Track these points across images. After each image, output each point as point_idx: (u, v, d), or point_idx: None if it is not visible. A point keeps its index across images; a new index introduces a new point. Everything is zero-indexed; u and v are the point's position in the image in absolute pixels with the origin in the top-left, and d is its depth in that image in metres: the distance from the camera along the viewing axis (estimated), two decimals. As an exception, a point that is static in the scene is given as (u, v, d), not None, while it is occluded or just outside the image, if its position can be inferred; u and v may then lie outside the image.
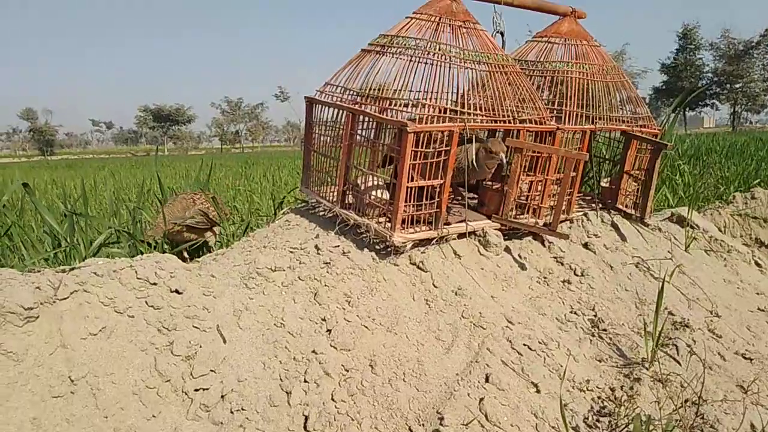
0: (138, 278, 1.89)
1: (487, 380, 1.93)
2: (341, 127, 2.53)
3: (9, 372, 1.58)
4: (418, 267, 2.36)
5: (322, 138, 2.71)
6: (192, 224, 2.83)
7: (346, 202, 2.57)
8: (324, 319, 2.05)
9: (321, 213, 2.75)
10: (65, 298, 1.76)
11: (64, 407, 1.56)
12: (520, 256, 2.63)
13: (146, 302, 1.86)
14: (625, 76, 2.93)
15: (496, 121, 2.39)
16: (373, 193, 2.46)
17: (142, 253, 2.81)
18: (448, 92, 2.35)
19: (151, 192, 5.45)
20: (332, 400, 1.78)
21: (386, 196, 2.45)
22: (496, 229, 2.56)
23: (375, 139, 2.59)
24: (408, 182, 2.24)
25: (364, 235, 2.42)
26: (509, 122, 2.42)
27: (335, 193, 2.59)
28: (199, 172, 5.09)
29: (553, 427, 1.80)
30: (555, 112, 2.72)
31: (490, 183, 2.75)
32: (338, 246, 2.38)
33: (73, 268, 1.89)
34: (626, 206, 2.98)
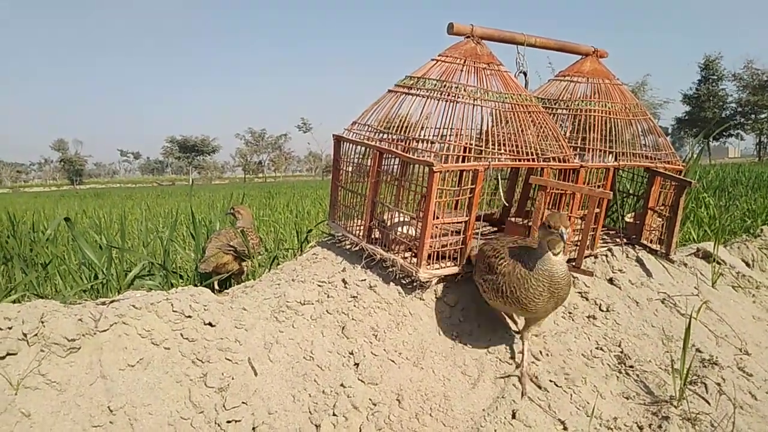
0: (174, 311, 1.97)
1: (513, 416, 1.94)
2: (368, 164, 2.61)
3: (53, 401, 1.65)
4: (444, 302, 2.39)
5: (349, 174, 2.79)
6: (234, 251, 2.92)
7: (373, 236, 2.63)
8: (352, 353, 2.09)
9: (347, 247, 2.81)
10: (105, 330, 1.84)
11: (103, 436, 1.62)
12: (544, 292, 2.65)
13: (181, 334, 1.93)
14: (648, 114, 2.98)
15: (520, 160, 2.45)
16: (399, 229, 2.52)
17: (173, 285, 2.90)
18: (472, 132, 2.42)
19: (178, 222, 5.59)
20: (361, 435, 1.81)
21: (412, 231, 2.50)
22: (520, 265, 2.59)
23: (401, 177, 2.67)
24: (433, 219, 2.29)
25: (390, 270, 2.47)
26: (533, 160, 2.47)
27: (362, 228, 2.65)
28: (224, 203, 5.21)
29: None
30: (578, 149, 2.77)
31: (514, 219, 2.79)
32: (365, 280, 2.43)
33: (113, 301, 1.97)
34: (651, 241, 2.98)
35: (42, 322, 1.75)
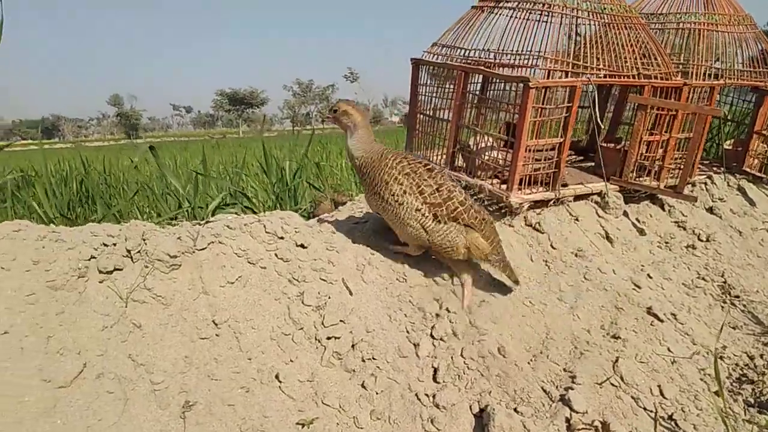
0: (267, 232, 1.95)
1: (617, 342, 1.86)
2: (451, 87, 2.49)
3: (160, 314, 1.67)
4: (535, 228, 2.29)
5: (430, 100, 2.67)
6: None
7: (456, 164, 2.53)
8: (438, 278, 2.03)
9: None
10: (203, 249, 1.84)
11: (211, 348, 1.64)
12: (638, 220, 2.51)
13: (276, 255, 1.92)
14: (758, 27, 2.69)
15: (619, 76, 2.27)
16: (486, 153, 2.40)
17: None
18: (568, 46, 2.25)
19: (247, 163, 5.61)
20: (461, 356, 1.77)
21: (497, 156, 2.39)
22: (615, 192, 2.45)
23: (483, 100, 2.53)
24: (528, 140, 2.16)
25: (477, 197, 2.38)
26: (634, 77, 2.28)
27: (444, 155, 2.56)
28: (279, 152, 5.18)
29: (696, 390, 1.71)
30: (681, 66, 2.54)
31: (605, 144, 2.63)
32: (450, 207, 2.35)
33: (207, 222, 1.98)
34: (753, 168, 2.76)
35: (144, 240, 1.76)
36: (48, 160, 3.78)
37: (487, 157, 2.37)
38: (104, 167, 5.35)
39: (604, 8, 2.29)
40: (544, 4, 2.24)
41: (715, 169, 2.85)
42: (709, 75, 2.55)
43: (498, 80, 2.40)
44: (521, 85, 2.11)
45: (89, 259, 1.68)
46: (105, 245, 1.74)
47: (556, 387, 1.71)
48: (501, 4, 2.35)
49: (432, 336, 1.82)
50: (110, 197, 3.82)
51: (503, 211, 2.32)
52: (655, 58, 2.36)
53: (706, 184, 2.68)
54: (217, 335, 1.67)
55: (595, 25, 2.28)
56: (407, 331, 1.83)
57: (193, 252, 1.82)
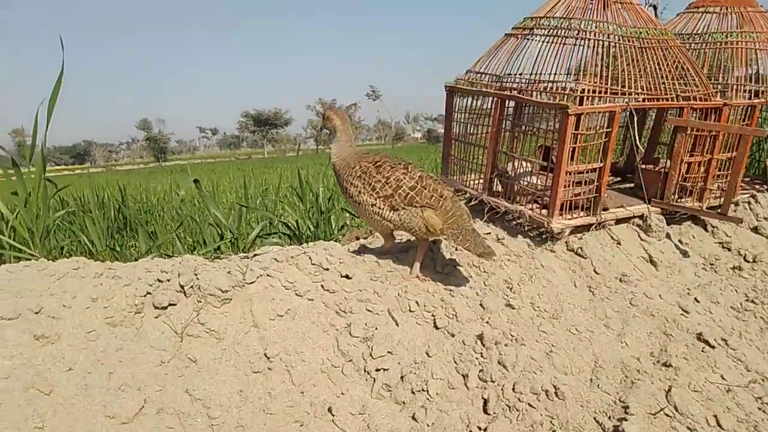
0: (312, 264, 1.99)
1: (669, 370, 1.83)
2: (487, 113, 2.51)
3: (213, 348, 1.71)
4: (577, 253, 2.28)
5: (465, 126, 2.69)
6: None
7: (494, 189, 2.54)
8: (483, 306, 2.03)
9: (462, 201, 2.74)
10: (252, 282, 1.88)
11: (264, 382, 1.67)
12: (681, 242, 2.48)
13: (322, 286, 1.95)
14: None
15: (658, 99, 2.26)
16: (522, 179, 2.41)
17: (292, 243, 2.96)
18: (604, 71, 2.26)
19: (281, 187, 5.72)
20: (513, 391, 1.76)
21: (535, 181, 2.39)
22: (657, 214, 2.42)
23: (517, 125, 2.54)
24: (567, 166, 2.17)
25: (517, 222, 2.38)
26: (672, 100, 2.27)
27: (482, 181, 2.57)
28: (306, 172, 5.27)
29: (756, 420, 1.67)
30: (719, 86, 2.52)
31: (644, 165, 2.61)
32: (490, 233, 2.36)
33: (255, 255, 2.02)
34: (799, 186, 2.71)
35: (196, 275, 1.81)
36: (85, 187, 3.90)
37: (525, 183, 2.37)
38: (140, 194, 5.51)
39: (640, 33, 2.29)
40: (578, 31, 2.25)
41: (757, 186, 2.80)
42: (749, 92, 2.52)
43: (533, 105, 2.41)
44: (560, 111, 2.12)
45: (145, 295, 1.74)
46: (159, 281, 1.79)
47: (609, 418, 1.69)
48: (534, 31, 2.38)
49: (481, 368, 1.82)
50: (147, 223, 3.92)
51: (544, 236, 2.32)
52: (693, 80, 2.35)
53: (749, 203, 2.64)
54: (269, 369, 1.71)
55: (632, 49, 2.28)
56: (455, 362, 1.84)
57: (243, 286, 1.87)
